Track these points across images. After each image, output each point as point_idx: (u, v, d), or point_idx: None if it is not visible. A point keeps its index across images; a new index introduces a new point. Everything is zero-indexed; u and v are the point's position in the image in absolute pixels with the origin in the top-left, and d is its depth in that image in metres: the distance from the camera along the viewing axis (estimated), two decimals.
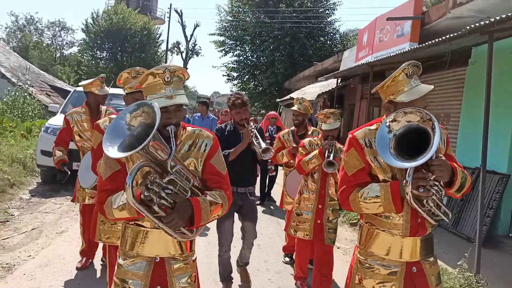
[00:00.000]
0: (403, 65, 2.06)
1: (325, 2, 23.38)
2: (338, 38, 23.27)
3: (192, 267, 2.15)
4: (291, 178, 4.67)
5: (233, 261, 4.05)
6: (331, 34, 23.53)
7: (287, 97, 15.53)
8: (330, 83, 12.88)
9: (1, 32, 35.02)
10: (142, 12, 32.25)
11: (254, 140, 3.58)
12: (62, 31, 37.14)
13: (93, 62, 29.43)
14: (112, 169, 1.99)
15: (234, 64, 24.91)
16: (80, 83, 4.47)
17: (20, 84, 16.44)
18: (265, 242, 5.55)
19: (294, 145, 4.50)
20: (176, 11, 30.19)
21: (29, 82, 17.00)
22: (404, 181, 1.87)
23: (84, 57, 30.71)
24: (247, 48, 24.54)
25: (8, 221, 5.56)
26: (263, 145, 3.55)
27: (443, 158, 1.95)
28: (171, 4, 30.09)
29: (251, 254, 4.06)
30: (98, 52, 29.17)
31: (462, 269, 4.25)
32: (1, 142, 9.59)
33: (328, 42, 23.16)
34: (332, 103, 12.22)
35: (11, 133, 11.49)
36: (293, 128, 4.73)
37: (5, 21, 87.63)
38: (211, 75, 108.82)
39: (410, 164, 1.81)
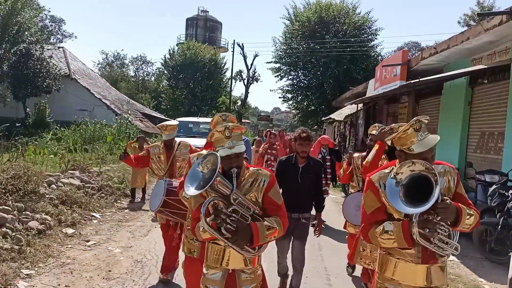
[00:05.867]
0: (412, 120, 2.27)
1: (368, 29, 26.49)
2: (380, 61, 26.04)
3: (257, 279, 2.59)
4: (348, 202, 4.60)
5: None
6: (374, 57, 26.48)
7: (328, 117, 18.94)
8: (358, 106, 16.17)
9: (94, 67, 41.49)
10: (209, 44, 37.53)
11: None
12: (143, 64, 43.55)
13: (170, 90, 34.94)
14: (198, 202, 2.48)
15: (288, 87, 28.59)
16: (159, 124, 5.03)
17: (122, 113, 21.44)
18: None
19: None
20: (239, 45, 34.87)
21: (129, 112, 21.97)
22: (412, 222, 2.13)
23: (162, 86, 36.51)
24: (299, 72, 28.16)
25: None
26: None
27: (448, 201, 2.16)
28: (234, 40, 35.08)
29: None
30: (174, 82, 34.61)
31: None
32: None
33: (372, 65, 26.06)
34: (356, 121, 15.46)
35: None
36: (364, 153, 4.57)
37: (98, 58, 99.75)
38: (270, 96, 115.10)
39: (415, 210, 2.08)
